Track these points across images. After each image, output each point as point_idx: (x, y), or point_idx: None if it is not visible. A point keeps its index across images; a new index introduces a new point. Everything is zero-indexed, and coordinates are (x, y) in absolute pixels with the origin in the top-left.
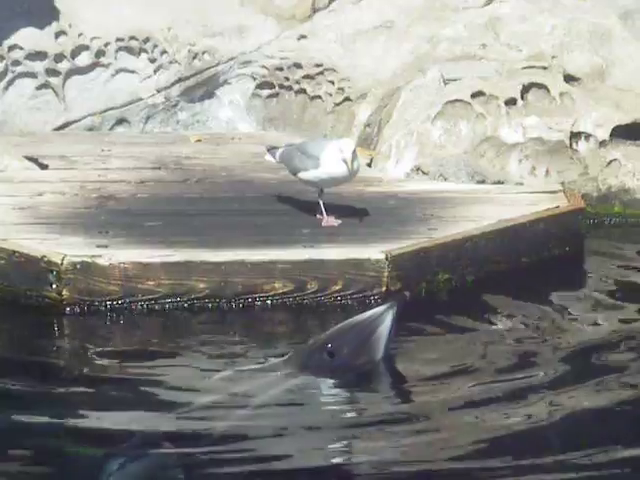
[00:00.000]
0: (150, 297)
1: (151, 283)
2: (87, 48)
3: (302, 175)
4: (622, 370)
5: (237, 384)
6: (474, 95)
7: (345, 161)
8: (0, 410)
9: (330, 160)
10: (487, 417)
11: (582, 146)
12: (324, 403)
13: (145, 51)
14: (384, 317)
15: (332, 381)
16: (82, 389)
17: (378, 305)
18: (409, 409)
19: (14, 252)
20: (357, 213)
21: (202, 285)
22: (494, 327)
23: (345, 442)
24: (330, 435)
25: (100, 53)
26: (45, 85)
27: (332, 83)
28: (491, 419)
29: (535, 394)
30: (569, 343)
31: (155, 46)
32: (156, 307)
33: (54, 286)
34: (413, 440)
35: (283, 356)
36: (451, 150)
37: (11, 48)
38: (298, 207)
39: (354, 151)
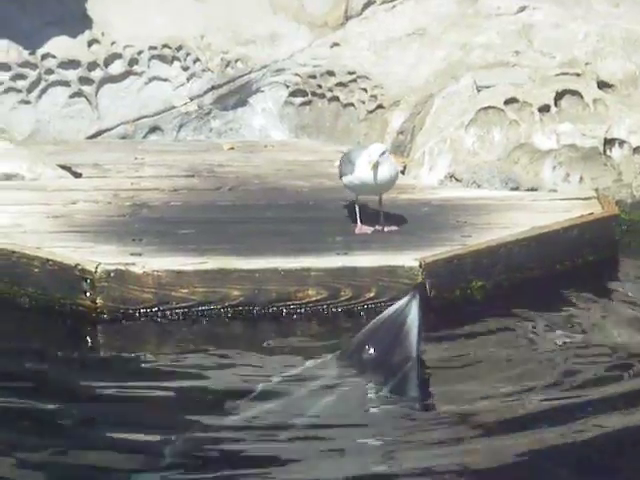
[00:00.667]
0: (184, 305)
1: (185, 291)
2: (120, 56)
3: (343, 180)
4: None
5: (281, 396)
6: (507, 102)
7: (371, 163)
8: (37, 418)
9: (361, 165)
10: (520, 428)
11: (616, 152)
12: (367, 415)
13: (178, 59)
14: (410, 308)
15: (373, 387)
16: (117, 397)
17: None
18: (448, 420)
19: (48, 260)
20: (391, 220)
21: (236, 293)
22: (528, 334)
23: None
24: (377, 450)
25: (133, 61)
26: (78, 93)
27: (365, 91)
28: (525, 432)
29: (572, 408)
30: (605, 353)
31: (188, 54)
32: (190, 315)
33: (88, 294)
34: (452, 453)
35: (322, 364)
36: (484, 157)
37: (44, 57)
38: (331, 215)
39: (386, 156)
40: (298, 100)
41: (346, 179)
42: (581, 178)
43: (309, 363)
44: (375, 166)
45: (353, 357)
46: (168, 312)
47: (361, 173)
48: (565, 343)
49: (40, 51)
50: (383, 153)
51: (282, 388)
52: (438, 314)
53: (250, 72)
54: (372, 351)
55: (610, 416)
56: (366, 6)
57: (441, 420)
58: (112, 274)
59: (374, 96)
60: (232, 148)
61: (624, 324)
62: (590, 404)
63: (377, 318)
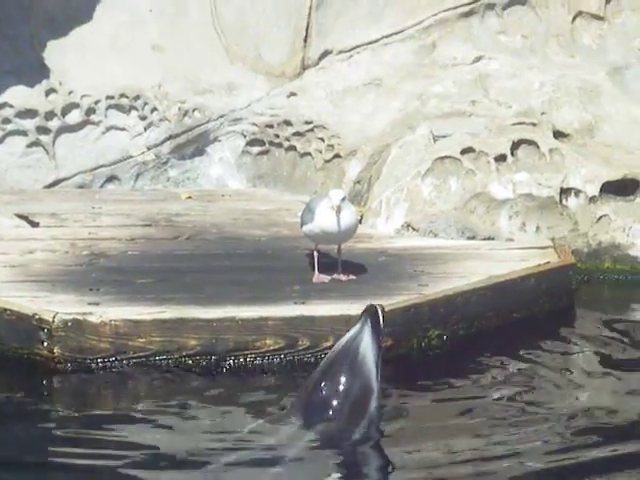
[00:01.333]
0: (141, 354)
1: (142, 340)
2: (77, 106)
3: (303, 229)
4: (617, 429)
5: (248, 444)
6: (464, 151)
7: (333, 208)
8: None
9: (322, 212)
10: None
11: (572, 202)
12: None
13: (135, 109)
14: (362, 334)
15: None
16: (72, 448)
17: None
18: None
19: (5, 310)
20: (348, 269)
21: (193, 342)
22: (486, 383)
23: None
24: None
25: (90, 111)
26: (36, 143)
27: (322, 140)
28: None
29: (533, 453)
30: (562, 400)
31: (145, 104)
32: (147, 364)
33: (45, 344)
34: None
35: (282, 409)
36: (441, 206)
37: (1, 106)
38: (289, 264)
39: (346, 202)
40: (255, 149)
41: (306, 228)
42: (537, 227)
43: (264, 419)
44: (338, 210)
45: (311, 399)
46: (125, 362)
47: (322, 220)
48: (523, 392)
49: None
50: (343, 199)
51: (243, 444)
52: (395, 364)
53: (207, 121)
54: (329, 388)
55: (562, 464)
56: (323, 56)
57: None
58: (69, 324)
59: (331, 145)
60: (190, 197)
61: (581, 375)
62: (544, 457)
63: (330, 351)
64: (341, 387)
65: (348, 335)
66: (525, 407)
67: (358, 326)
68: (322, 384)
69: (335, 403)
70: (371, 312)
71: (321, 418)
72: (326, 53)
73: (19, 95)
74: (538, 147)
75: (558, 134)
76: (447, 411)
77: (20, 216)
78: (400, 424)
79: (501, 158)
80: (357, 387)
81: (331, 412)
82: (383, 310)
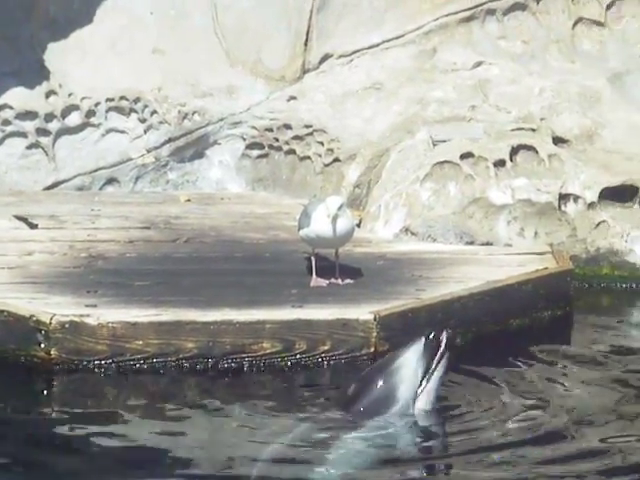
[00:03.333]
0: (138, 357)
1: (139, 343)
2: (77, 108)
3: (300, 233)
4: (611, 433)
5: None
6: (463, 156)
7: (330, 216)
8: None
9: (318, 219)
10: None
11: (571, 208)
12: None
13: (135, 111)
14: (409, 348)
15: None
16: (69, 450)
17: (366, 365)
18: None
19: (2, 311)
20: (346, 273)
21: (190, 345)
22: (482, 389)
23: None
24: None
25: (90, 113)
26: (35, 145)
27: (321, 144)
28: None
29: (528, 461)
30: (559, 406)
31: (145, 106)
32: (144, 367)
33: (42, 345)
34: None
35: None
36: (440, 211)
37: (1, 108)
38: (287, 267)
39: (343, 209)
40: (255, 153)
41: (303, 232)
42: (536, 233)
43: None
44: (334, 219)
45: (346, 409)
46: (122, 364)
47: (318, 226)
48: (519, 398)
49: None
50: (341, 206)
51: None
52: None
53: (207, 125)
54: (354, 388)
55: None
56: (323, 60)
57: None
58: (67, 325)
59: (331, 149)
60: (189, 200)
61: (577, 382)
62: (542, 462)
63: (374, 365)
64: (364, 386)
65: (394, 353)
66: (521, 413)
67: (407, 347)
68: (352, 385)
69: (356, 402)
70: (427, 336)
71: (342, 415)
72: (326, 57)
73: (19, 97)
74: (537, 153)
75: (557, 140)
76: (444, 414)
77: (19, 217)
78: None
79: (500, 163)
80: (380, 393)
81: (350, 411)
82: (449, 335)
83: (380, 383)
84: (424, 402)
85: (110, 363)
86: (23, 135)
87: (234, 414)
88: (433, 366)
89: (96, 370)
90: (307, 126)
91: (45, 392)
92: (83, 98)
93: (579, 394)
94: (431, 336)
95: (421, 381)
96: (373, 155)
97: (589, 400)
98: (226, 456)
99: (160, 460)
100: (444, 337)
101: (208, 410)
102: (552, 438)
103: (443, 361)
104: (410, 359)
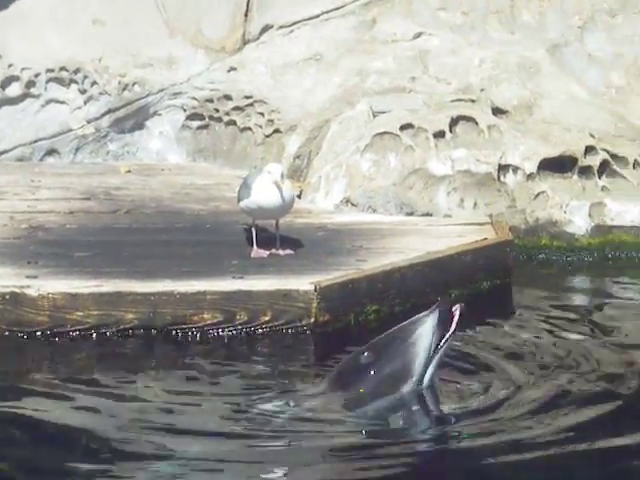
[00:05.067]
0: (79, 327)
1: (80, 314)
2: (17, 79)
3: (240, 204)
4: (546, 405)
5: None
6: (403, 128)
7: (275, 183)
8: None
9: (259, 188)
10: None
11: (510, 179)
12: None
13: (75, 82)
14: (426, 320)
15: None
16: (10, 423)
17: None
18: None
19: None
20: (287, 244)
21: (131, 316)
22: None
23: None
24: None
25: (30, 84)
26: None
27: (262, 115)
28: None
29: (455, 428)
30: (494, 376)
31: (85, 77)
32: (85, 337)
33: None
34: None
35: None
36: (380, 182)
37: None
38: (227, 238)
39: (283, 179)
40: (195, 124)
41: (243, 203)
42: (475, 204)
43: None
44: (278, 185)
45: (348, 365)
46: (63, 335)
47: (259, 196)
48: (457, 369)
49: None
50: (281, 175)
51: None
52: (332, 338)
53: (147, 95)
54: (369, 357)
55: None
56: (263, 31)
57: None
58: (7, 296)
59: (271, 120)
60: (129, 171)
61: (516, 352)
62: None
63: (390, 330)
64: (382, 358)
65: (413, 318)
66: (457, 384)
67: (426, 312)
68: (365, 351)
69: (370, 373)
70: (442, 306)
71: (352, 385)
72: (267, 28)
73: None
74: (477, 124)
75: (497, 111)
76: None
77: None
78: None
79: (440, 134)
80: (396, 364)
81: (363, 381)
82: (462, 310)
83: (398, 355)
84: (429, 377)
85: (50, 334)
86: None
87: (176, 384)
88: (443, 342)
89: (37, 341)
90: (247, 97)
91: None
92: (23, 69)
93: (517, 363)
94: (443, 308)
95: (432, 355)
96: (313, 126)
97: (527, 367)
98: (159, 426)
99: (101, 431)
100: (457, 312)
101: (150, 380)
102: (493, 406)
103: (449, 340)
104: (427, 332)
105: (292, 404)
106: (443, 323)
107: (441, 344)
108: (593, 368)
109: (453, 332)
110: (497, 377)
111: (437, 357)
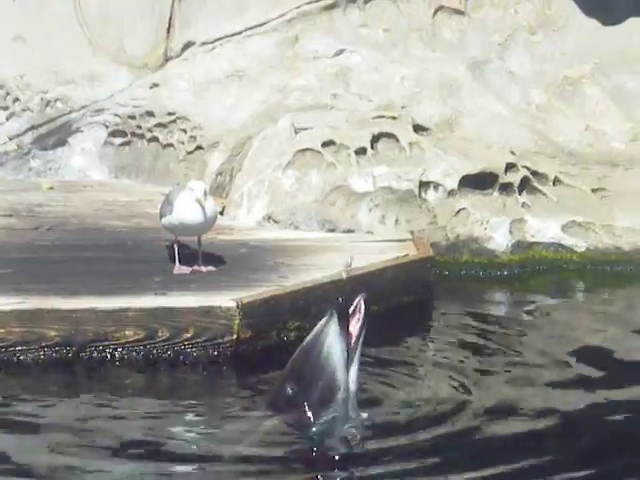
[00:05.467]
0: (1, 345)
1: (1, 331)
2: None
3: (162, 221)
4: (470, 415)
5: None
6: (325, 144)
7: (197, 200)
8: None
9: (181, 205)
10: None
11: (431, 195)
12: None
13: None
14: (328, 328)
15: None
16: None
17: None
18: None
19: None
20: (209, 261)
21: (53, 333)
22: None
23: None
24: None
25: None
26: None
27: (184, 131)
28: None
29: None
30: (412, 392)
31: (7, 94)
32: (7, 355)
33: None
34: None
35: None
36: (302, 199)
37: None
38: (150, 255)
39: (205, 195)
40: (117, 140)
41: (165, 220)
42: (397, 220)
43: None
44: (200, 202)
45: (277, 397)
46: None
47: (181, 213)
48: (377, 382)
49: None
50: (204, 192)
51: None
52: (254, 355)
53: (70, 112)
54: (294, 387)
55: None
56: (186, 47)
57: None
58: None
59: (193, 137)
60: (51, 188)
61: (436, 365)
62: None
63: (300, 347)
64: (305, 385)
65: (315, 329)
66: (378, 396)
67: (324, 320)
68: (288, 383)
69: (300, 401)
70: (338, 306)
71: (287, 413)
72: (189, 44)
73: None
74: (398, 141)
75: (418, 128)
76: None
77: None
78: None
79: (361, 151)
80: (321, 384)
81: (296, 409)
82: (366, 299)
83: (318, 375)
84: (353, 380)
85: None
86: None
87: (96, 401)
88: (354, 339)
89: None
90: (170, 113)
91: None
92: None
93: (435, 377)
94: (338, 308)
95: (350, 356)
96: (236, 143)
97: (444, 382)
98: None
99: (22, 449)
100: (362, 303)
101: (69, 398)
102: (401, 418)
103: (363, 333)
104: (334, 339)
105: (214, 424)
106: (344, 322)
107: (353, 343)
108: (498, 381)
109: (364, 324)
110: (414, 390)
111: (356, 355)
